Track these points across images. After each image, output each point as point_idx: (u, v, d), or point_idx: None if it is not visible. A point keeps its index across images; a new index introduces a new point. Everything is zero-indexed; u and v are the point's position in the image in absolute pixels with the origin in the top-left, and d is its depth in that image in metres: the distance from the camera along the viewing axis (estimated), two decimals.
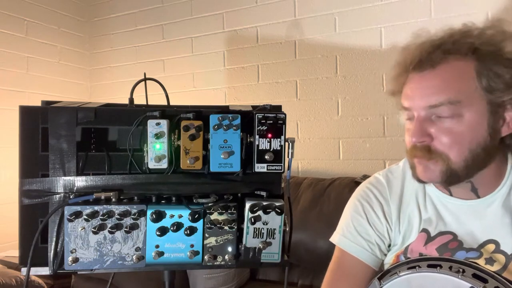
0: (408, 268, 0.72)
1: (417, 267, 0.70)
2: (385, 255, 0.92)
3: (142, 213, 0.76)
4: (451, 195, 0.84)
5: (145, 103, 0.87)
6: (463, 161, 0.75)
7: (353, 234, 0.91)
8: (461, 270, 0.68)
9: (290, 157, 0.80)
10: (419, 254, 0.83)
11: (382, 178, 0.93)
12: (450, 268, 0.69)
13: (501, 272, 0.75)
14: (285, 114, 0.78)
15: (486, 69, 0.73)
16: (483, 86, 0.74)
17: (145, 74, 0.89)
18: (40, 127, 0.77)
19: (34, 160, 0.77)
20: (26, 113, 0.77)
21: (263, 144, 0.77)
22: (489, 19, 0.79)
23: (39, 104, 0.80)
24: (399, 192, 0.90)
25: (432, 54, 0.76)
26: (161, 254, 0.76)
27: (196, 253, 0.77)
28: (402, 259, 0.85)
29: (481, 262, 0.77)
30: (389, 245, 0.91)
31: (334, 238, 0.94)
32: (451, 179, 0.77)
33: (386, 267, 0.88)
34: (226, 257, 0.78)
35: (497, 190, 0.81)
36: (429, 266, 0.71)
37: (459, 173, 0.76)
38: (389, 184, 0.91)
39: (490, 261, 0.77)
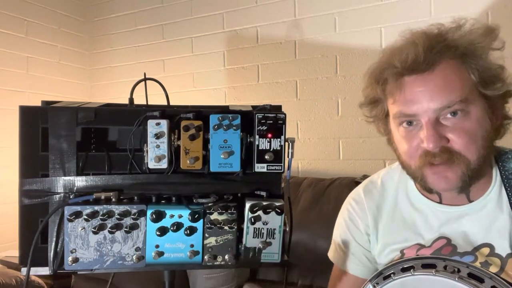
0: (402, 270, 0.70)
1: (411, 269, 0.69)
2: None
3: (142, 213, 0.76)
4: (440, 202, 0.83)
5: (145, 103, 0.87)
6: (479, 159, 0.73)
7: (344, 252, 0.94)
8: (456, 269, 0.66)
9: (290, 157, 0.80)
10: None
11: (361, 191, 0.95)
12: (445, 267, 0.67)
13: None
14: (285, 114, 0.78)
15: (476, 66, 0.74)
16: (478, 81, 0.74)
17: (145, 74, 0.89)
18: (40, 127, 0.77)
19: (34, 160, 0.77)
20: (26, 113, 0.77)
21: (263, 144, 0.77)
22: (455, 19, 0.79)
23: (39, 104, 0.80)
24: (378, 203, 0.91)
25: (428, 55, 0.73)
26: (161, 254, 0.76)
27: (196, 253, 0.77)
28: None
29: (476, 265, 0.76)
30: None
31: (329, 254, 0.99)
32: (467, 183, 0.75)
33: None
34: (226, 257, 0.78)
35: (487, 193, 0.80)
36: (424, 266, 0.69)
37: (476, 173, 0.74)
38: (367, 196, 0.93)
39: (486, 264, 0.76)
